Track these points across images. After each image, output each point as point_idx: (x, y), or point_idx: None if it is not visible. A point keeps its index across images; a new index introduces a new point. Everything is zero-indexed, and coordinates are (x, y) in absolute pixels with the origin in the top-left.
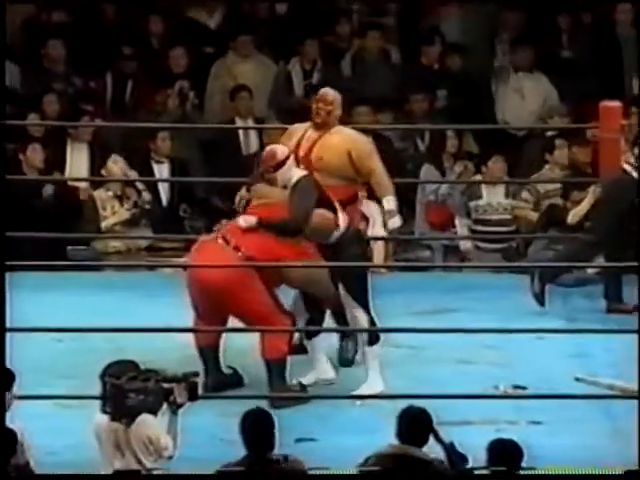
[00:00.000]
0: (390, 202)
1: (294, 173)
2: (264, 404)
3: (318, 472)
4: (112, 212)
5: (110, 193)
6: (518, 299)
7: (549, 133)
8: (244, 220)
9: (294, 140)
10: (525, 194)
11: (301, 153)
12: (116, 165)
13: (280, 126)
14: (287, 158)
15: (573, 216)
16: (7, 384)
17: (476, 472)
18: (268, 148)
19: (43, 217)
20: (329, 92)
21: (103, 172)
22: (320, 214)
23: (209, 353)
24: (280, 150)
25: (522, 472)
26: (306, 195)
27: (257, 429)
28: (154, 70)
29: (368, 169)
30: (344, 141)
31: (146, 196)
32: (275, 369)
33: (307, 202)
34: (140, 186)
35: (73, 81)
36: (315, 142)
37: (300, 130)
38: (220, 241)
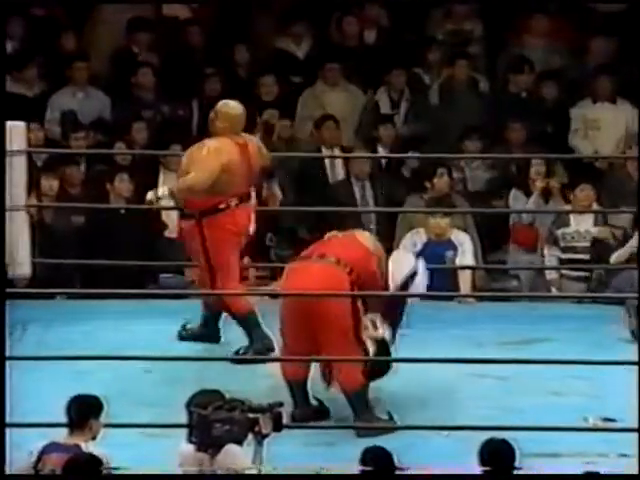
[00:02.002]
0: (162, 189)
1: None
2: (350, 434)
3: None
4: None
5: None
6: (605, 329)
7: None
8: None
9: None
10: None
11: None
12: None
13: (366, 155)
14: None
15: (617, 257)
16: (96, 412)
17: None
18: None
19: (132, 244)
20: (219, 103)
21: None
22: None
23: (297, 386)
24: None
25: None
26: None
27: (377, 466)
28: (241, 98)
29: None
30: (192, 148)
31: None
32: (355, 399)
33: None
34: None
35: (161, 109)
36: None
37: None
38: (317, 259)
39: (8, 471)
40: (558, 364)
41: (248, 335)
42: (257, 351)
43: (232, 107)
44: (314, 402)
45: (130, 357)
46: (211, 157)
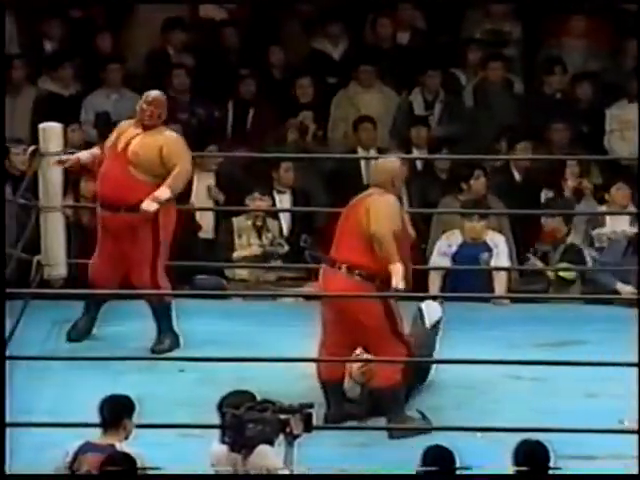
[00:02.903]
0: (164, 192)
1: None
2: (384, 435)
3: None
4: (248, 243)
5: (249, 222)
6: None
7: None
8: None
9: (115, 135)
10: None
11: (119, 147)
12: (261, 202)
13: (402, 156)
14: None
15: None
16: (129, 412)
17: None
18: None
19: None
20: (152, 94)
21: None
22: None
23: (332, 387)
24: None
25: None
26: None
27: (438, 464)
28: (276, 100)
29: (173, 165)
30: (159, 138)
31: (278, 238)
32: (390, 397)
33: None
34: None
35: (196, 110)
36: (134, 138)
37: (124, 126)
38: (329, 266)
39: (44, 471)
40: (589, 366)
41: (158, 327)
42: (163, 346)
43: (160, 96)
44: (350, 402)
45: (158, 358)
46: (186, 147)
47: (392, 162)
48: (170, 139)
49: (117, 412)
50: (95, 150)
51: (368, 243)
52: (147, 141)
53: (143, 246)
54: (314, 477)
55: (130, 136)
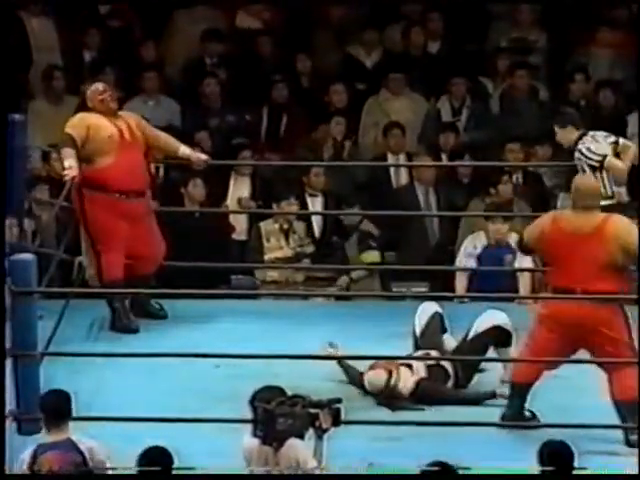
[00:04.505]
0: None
1: None
2: (414, 429)
3: None
4: (278, 246)
5: (276, 226)
6: None
7: None
8: None
9: (113, 130)
10: None
11: (126, 137)
12: (290, 208)
13: (430, 164)
14: None
15: None
16: (71, 405)
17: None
18: None
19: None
20: (96, 84)
21: (275, 207)
22: None
23: (521, 389)
24: None
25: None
26: None
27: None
28: (309, 105)
29: (150, 131)
30: (135, 118)
31: (305, 239)
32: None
33: None
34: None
35: (227, 117)
36: (129, 125)
37: (100, 120)
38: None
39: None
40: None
41: (111, 310)
42: (120, 327)
43: None
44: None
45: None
46: None
47: (593, 181)
48: (135, 115)
49: (64, 406)
50: (72, 160)
51: (609, 270)
52: (137, 124)
53: (154, 221)
54: (335, 477)
55: (125, 125)
